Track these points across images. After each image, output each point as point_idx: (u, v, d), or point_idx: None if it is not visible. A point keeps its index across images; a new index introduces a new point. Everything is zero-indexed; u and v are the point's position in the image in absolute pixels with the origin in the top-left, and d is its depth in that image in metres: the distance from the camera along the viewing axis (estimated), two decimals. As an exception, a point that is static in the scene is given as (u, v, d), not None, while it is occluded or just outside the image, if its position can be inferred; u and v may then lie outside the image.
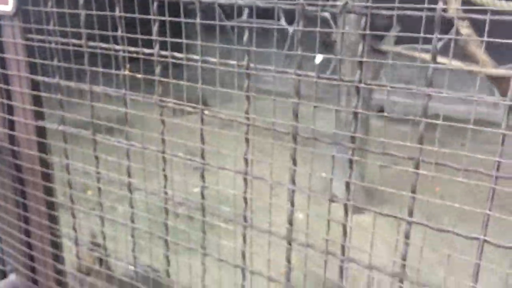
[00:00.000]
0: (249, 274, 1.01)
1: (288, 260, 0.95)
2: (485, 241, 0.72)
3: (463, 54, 4.28)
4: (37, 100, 1.21)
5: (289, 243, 0.94)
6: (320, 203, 0.85)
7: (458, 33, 3.70)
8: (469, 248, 0.77)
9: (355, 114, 0.77)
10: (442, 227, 0.75)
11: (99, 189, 1.19)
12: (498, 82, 3.76)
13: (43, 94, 1.20)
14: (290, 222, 0.93)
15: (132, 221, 1.18)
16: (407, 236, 0.79)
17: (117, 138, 1.11)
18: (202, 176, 1.02)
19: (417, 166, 0.74)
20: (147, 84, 1.11)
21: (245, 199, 0.96)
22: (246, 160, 0.93)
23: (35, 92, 1.20)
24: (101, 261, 1.92)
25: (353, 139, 0.79)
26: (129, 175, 1.11)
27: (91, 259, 2.05)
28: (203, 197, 1.03)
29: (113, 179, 1.15)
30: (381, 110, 7.28)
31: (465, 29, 3.49)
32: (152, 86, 1.01)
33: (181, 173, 1.08)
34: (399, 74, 5.87)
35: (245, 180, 0.95)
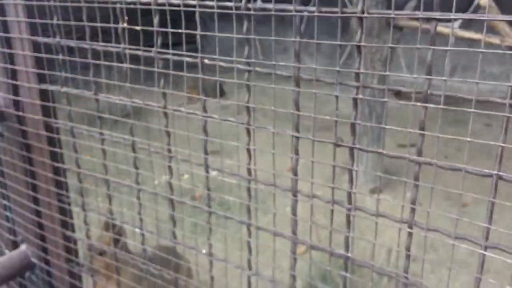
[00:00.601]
0: (255, 229, 0.98)
1: (294, 213, 0.91)
2: (499, 177, 0.67)
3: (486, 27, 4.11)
4: (39, 62, 1.20)
5: (294, 195, 0.90)
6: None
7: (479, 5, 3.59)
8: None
9: (358, 48, 0.73)
10: (454, 165, 0.71)
11: (103, 151, 1.18)
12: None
13: (45, 55, 1.18)
14: (295, 173, 0.89)
15: (138, 183, 1.16)
16: (416, 179, 0.75)
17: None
18: (205, 130, 0.99)
19: (425, 100, 0.69)
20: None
21: (248, 151, 0.93)
22: (248, 109, 0.90)
23: (37, 54, 1.18)
24: (117, 241, 1.92)
25: (357, 76, 0.75)
26: (131, 134, 1.09)
27: (106, 239, 2.05)
28: (206, 152, 1.00)
29: (116, 140, 1.13)
30: (399, 90, 7.15)
31: (485, 0, 3.38)
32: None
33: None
34: (419, 52, 5.72)
35: (247, 130, 0.91)
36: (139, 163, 1.14)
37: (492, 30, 3.39)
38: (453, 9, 0.67)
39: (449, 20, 0.67)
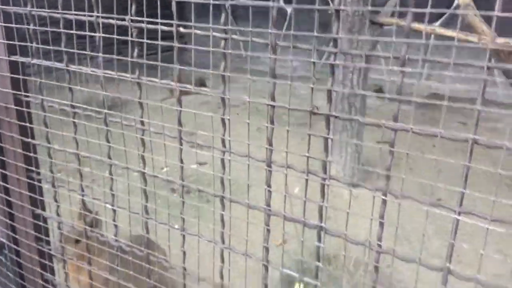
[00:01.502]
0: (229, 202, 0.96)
1: (268, 184, 0.90)
2: (475, 141, 0.66)
3: (464, 25, 4.18)
4: (9, 33, 1.16)
5: (269, 165, 0.88)
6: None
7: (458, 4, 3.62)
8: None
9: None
10: (430, 130, 0.70)
11: (75, 123, 1.14)
12: (497, 54, 3.68)
13: (15, 25, 1.14)
14: (270, 143, 0.87)
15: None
16: (392, 146, 0.74)
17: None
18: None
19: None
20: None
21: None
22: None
23: (7, 24, 1.14)
24: (92, 226, 1.87)
25: (335, 42, 0.74)
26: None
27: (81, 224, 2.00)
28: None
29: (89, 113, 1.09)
30: (380, 89, 7.23)
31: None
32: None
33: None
34: (398, 49, 5.79)
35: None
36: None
37: (470, 29, 3.44)
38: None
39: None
